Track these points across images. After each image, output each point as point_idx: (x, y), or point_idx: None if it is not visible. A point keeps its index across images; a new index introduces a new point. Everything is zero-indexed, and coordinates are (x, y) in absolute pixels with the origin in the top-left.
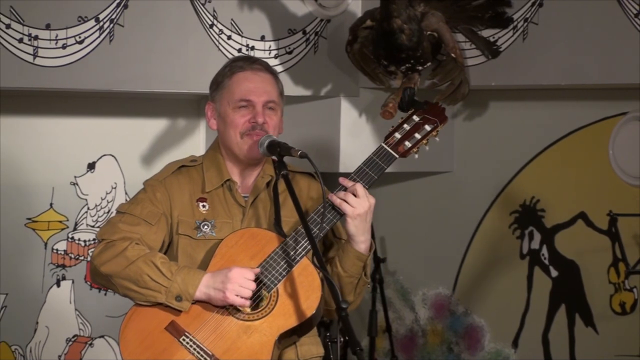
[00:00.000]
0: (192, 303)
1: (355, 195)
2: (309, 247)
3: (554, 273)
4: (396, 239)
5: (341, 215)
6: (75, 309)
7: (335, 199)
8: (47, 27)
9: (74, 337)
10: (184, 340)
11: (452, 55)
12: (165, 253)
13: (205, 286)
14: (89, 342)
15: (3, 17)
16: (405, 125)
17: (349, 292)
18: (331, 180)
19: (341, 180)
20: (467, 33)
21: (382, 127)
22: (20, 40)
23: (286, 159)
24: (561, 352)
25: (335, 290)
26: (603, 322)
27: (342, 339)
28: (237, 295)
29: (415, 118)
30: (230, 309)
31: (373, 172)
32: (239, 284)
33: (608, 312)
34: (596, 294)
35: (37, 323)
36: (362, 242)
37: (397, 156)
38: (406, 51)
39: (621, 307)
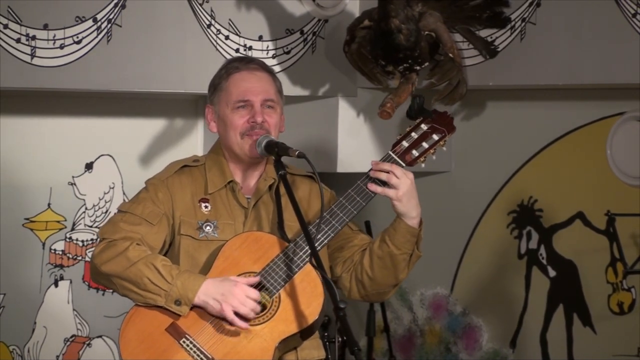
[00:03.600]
0: (192, 307)
1: (393, 176)
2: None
3: (552, 273)
4: None
5: (343, 225)
6: (73, 309)
7: (376, 187)
8: (45, 27)
9: (72, 337)
10: (184, 342)
11: (450, 55)
12: (166, 253)
13: (204, 294)
14: (87, 342)
15: (1, 17)
16: (413, 134)
17: (403, 268)
18: (329, 180)
19: (373, 162)
20: (465, 33)
21: (380, 127)
22: (18, 40)
23: (286, 160)
24: (559, 352)
25: (333, 291)
26: (601, 322)
27: (340, 339)
28: (235, 312)
29: (424, 127)
30: None
31: (380, 180)
32: (240, 301)
33: (606, 312)
34: (594, 294)
35: (35, 323)
36: (414, 217)
37: (404, 165)
38: (404, 51)
39: (619, 307)
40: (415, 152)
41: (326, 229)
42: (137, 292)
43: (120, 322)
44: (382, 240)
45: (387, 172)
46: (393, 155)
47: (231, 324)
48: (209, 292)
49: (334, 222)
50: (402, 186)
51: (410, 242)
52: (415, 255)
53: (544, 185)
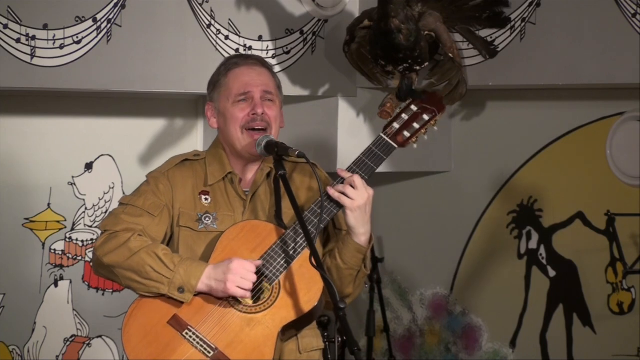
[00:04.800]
0: (195, 295)
1: (353, 187)
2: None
3: (552, 273)
4: (394, 239)
5: (341, 206)
6: (73, 309)
7: (334, 192)
8: (45, 27)
9: (71, 337)
10: (187, 334)
11: (450, 55)
12: (166, 245)
13: (207, 277)
14: (87, 342)
15: (1, 18)
16: (403, 115)
17: (349, 283)
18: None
19: (339, 171)
20: (465, 33)
21: (380, 127)
22: (18, 41)
23: None
24: (559, 352)
25: (332, 289)
26: (601, 322)
27: (340, 339)
28: (238, 287)
29: (414, 108)
30: (232, 302)
31: (372, 163)
32: (240, 275)
33: (606, 312)
34: (594, 294)
35: (34, 323)
36: (362, 234)
37: (396, 146)
38: (404, 51)
39: (619, 307)
40: (406, 133)
41: (323, 215)
42: (140, 281)
43: (121, 322)
44: (332, 254)
45: (350, 184)
46: (385, 137)
47: (237, 308)
48: (210, 275)
49: (329, 206)
50: (358, 198)
51: (357, 258)
52: (362, 273)
53: (544, 185)
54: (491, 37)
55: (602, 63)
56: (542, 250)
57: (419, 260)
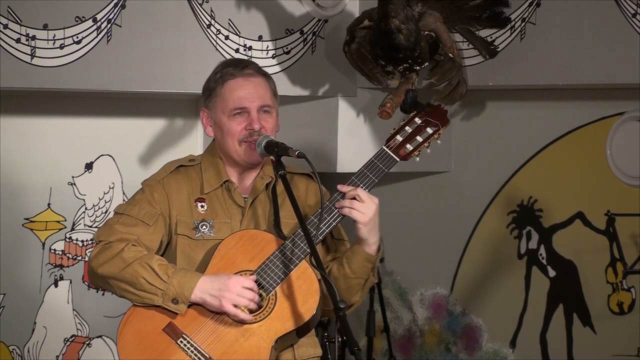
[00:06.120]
0: (190, 305)
1: (358, 201)
2: (307, 250)
3: (552, 273)
4: (394, 239)
5: (343, 216)
6: (73, 309)
7: (344, 209)
8: (45, 27)
9: (71, 337)
10: (181, 342)
11: (450, 55)
12: (163, 253)
13: (200, 290)
14: (87, 342)
15: (1, 17)
16: (407, 128)
17: (356, 292)
18: (329, 180)
19: (339, 187)
20: (465, 33)
21: (380, 127)
22: (18, 41)
23: (285, 159)
24: (559, 352)
25: (333, 291)
26: (601, 322)
27: (340, 339)
28: (234, 305)
29: (417, 120)
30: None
31: (374, 175)
32: (237, 293)
33: (606, 312)
34: (594, 294)
35: (34, 323)
36: (373, 244)
37: (398, 159)
38: (404, 51)
39: (619, 307)
40: (409, 146)
41: (322, 226)
42: (134, 292)
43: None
44: (340, 262)
45: (354, 198)
46: (387, 150)
47: (233, 319)
48: (205, 288)
49: (328, 218)
50: (368, 211)
51: (366, 267)
52: (370, 281)
53: (544, 185)
54: (491, 37)
55: (602, 63)
56: (542, 250)
57: (419, 260)
